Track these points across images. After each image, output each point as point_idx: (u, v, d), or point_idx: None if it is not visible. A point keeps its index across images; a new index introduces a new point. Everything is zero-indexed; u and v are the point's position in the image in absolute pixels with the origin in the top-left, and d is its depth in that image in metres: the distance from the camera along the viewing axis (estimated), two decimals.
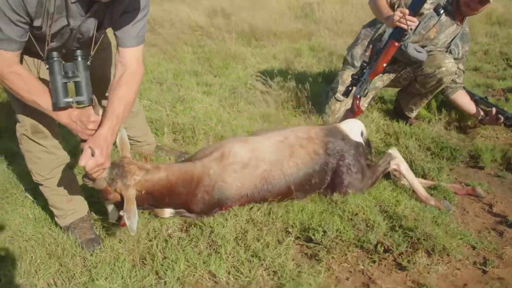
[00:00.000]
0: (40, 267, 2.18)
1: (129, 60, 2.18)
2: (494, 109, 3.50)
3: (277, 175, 2.57)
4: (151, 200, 2.36)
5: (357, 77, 3.35)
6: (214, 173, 2.47)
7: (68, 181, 2.40)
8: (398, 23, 3.00)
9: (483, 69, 5.57)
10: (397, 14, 3.01)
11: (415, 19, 2.99)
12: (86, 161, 1.96)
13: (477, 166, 3.28)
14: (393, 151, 2.81)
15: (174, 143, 3.44)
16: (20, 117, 2.21)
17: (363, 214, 2.51)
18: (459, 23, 3.48)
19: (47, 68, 1.98)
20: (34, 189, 2.73)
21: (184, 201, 2.47)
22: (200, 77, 5.09)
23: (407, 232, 2.40)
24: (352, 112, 3.38)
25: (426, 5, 3.35)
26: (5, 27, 1.83)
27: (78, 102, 2.02)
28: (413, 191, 2.78)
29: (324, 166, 2.65)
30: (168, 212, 2.50)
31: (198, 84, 4.79)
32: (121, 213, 2.15)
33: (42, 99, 1.99)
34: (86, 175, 2.08)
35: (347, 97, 3.51)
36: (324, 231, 2.36)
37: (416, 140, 3.47)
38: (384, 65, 3.19)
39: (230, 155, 2.52)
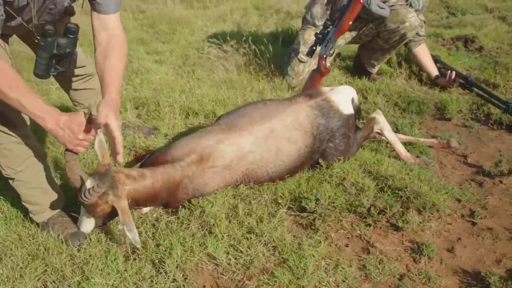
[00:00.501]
0: (24, 271, 2.00)
1: (113, 26, 2.02)
2: (454, 72, 3.54)
3: (260, 172, 2.44)
4: (133, 206, 2.19)
5: (321, 36, 3.27)
6: (194, 175, 2.30)
7: (42, 172, 2.20)
8: None
9: (428, 18, 5.61)
10: None
11: None
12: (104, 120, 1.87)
13: (444, 118, 3.34)
14: (378, 115, 2.76)
15: (138, 119, 3.26)
16: None
17: (351, 177, 2.49)
18: None
19: (39, 43, 1.84)
20: None
21: (164, 203, 2.35)
22: (148, 45, 4.83)
23: (397, 192, 2.41)
24: (319, 73, 3.31)
25: None
26: None
27: (59, 72, 1.97)
28: (394, 150, 2.79)
29: (312, 154, 2.54)
30: (146, 209, 2.36)
31: (148, 53, 4.56)
32: (120, 226, 2.01)
33: (27, 100, 1.78)
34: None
35: (311, 57, 3.44)
36: (317, 199, 2.32)
37: (383, 96, 3.48)
38: (350, 23, 3.13)
39: (209, 158, 2.32)
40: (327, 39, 3.25)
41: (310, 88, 3.34)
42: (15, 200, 2.32)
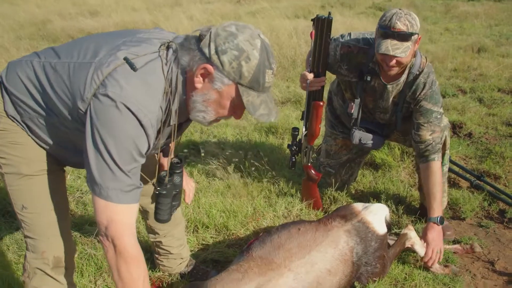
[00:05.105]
0: None
1: None
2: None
3: None
4: None
5: (295, 147, 3.20)
6: None
7: None
8: (309, 89, 2.93)
9: None
10: (301, 81, 2.94)
11: (322, 78, 2.90)
12: None
13: (458, 217, 3.30)
14: (409, 231, 2.70)
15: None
16: (41, 245, 1.83)
17: None
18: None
19: (160, 192, 1.88)
20: None
21: None
22: None
23: None
24: (312, 181, 3.23)
25: (342, 71, 3.00)
26: (133, 174, 1.61)
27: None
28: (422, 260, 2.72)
29: (350, 282, 2.39)
30: None
31: None
32: None
33: None
34: None
35: (294, 168, 3.35)
36: None
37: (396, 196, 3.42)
38: (319, 126, 3.08)
39: None
40: (304, 150, 3.19)
41: (310, 198, 3.28)
42: None
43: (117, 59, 1.59)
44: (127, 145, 1.54)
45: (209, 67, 1.58)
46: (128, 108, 1.52)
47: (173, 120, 1.72)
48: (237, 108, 1.68)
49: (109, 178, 1.55)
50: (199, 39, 1.63)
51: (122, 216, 1.60)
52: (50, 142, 1.77)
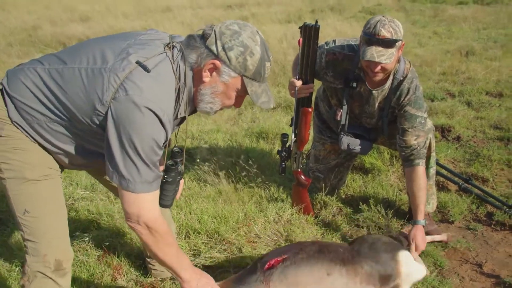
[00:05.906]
0: None
1: None
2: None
3: None
4: None
5: (285, 153, 3.20)
6: None
7: None
8: (298, 96, 2.94)
9: None
10: (290, 89, 2.97)
11: (311, 85, 2.91)
12: None
13: (447, 220, 3.34)
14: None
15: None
16: (42, 248, 1.89)
17: None
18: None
19: (167, 179, 1.98)
20: None
21: None
22: None
23: None
24: (302, 186, 3.26)
25: (328, 77, 3.05)
26: (155, 166, 1.79)
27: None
28: None
29: None
30: None
31: None
32: None
33: (181, 258, 1.95)
34: None
35: (284, 174, 3.34)
36: None
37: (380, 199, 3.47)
38: (309, 132, 3.11)
39: None
40: (294, 155, 3.21)
41: (300, 204, 3.29)
42: None
43: (130, 63, 1.72)
44: (150, 142, 1.71)
45: (217, 62, 1.76)
46: (150, 109, 1.66)
47: (182, 113, 1.88)
48: (240, 98, 1.91)
49: (137, 173, 1.73)
50: (203, 37, 1.78)
51: (150, 202, 1.81)
52: (58, 144, 1.86)
